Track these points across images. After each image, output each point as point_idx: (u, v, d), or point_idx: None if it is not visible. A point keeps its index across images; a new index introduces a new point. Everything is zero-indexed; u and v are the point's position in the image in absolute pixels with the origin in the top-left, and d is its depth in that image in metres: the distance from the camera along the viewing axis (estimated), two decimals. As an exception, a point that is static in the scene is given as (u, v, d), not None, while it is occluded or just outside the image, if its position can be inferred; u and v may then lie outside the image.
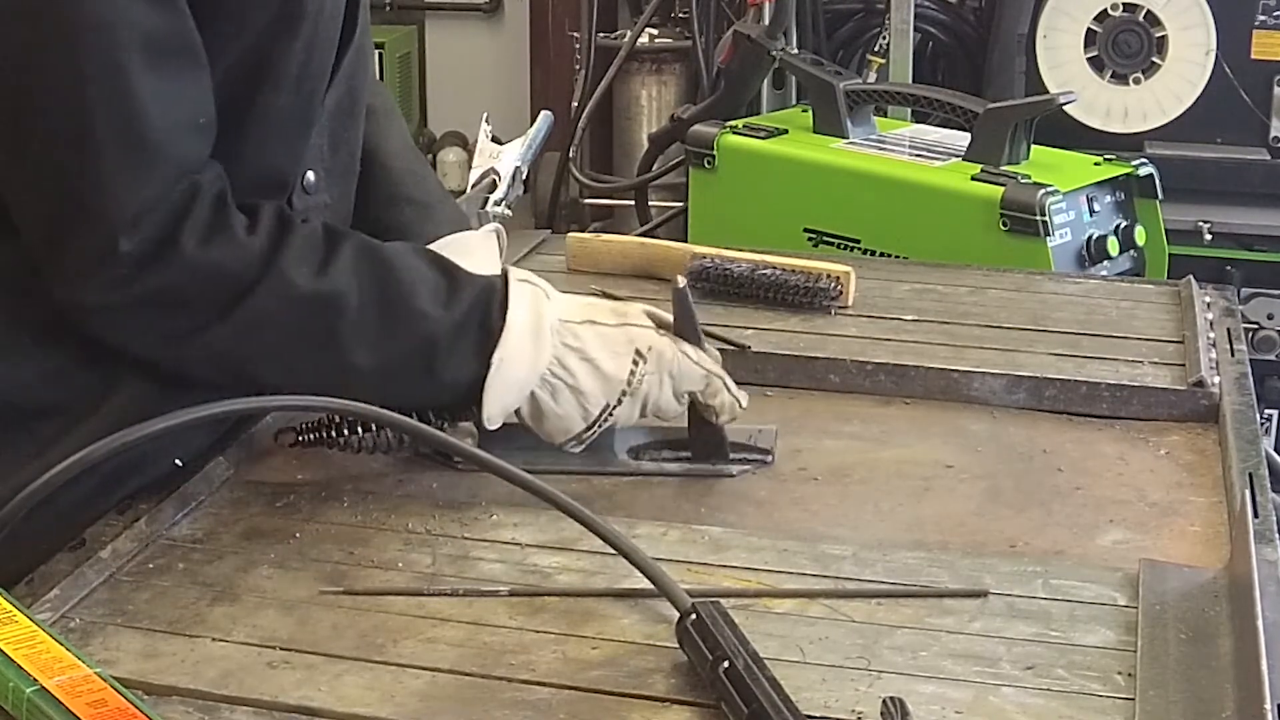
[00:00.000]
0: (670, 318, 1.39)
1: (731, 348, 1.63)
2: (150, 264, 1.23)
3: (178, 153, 1.24)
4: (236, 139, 1.32)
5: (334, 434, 1.39)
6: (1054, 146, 2.65)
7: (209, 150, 1.28)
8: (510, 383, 1.32)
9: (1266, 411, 3.01)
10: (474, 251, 1.53)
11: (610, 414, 1.35)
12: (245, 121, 1.32)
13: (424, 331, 1.30)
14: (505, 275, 1.36)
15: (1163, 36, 3.07)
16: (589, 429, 1.36)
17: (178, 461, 1.35)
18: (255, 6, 1.29)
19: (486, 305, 1.33)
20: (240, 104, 1.31)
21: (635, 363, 1.34)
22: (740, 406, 1.39)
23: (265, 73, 1.32)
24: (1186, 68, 3.08)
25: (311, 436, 1.40)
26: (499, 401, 1.33)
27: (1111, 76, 3.11)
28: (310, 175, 1.43)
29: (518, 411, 1.35)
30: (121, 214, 1.21)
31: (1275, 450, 2.07)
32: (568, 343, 1.34)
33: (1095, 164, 2.59)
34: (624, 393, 1.35)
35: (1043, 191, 2.38)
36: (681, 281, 1.38)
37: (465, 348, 1.31)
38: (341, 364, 1.29)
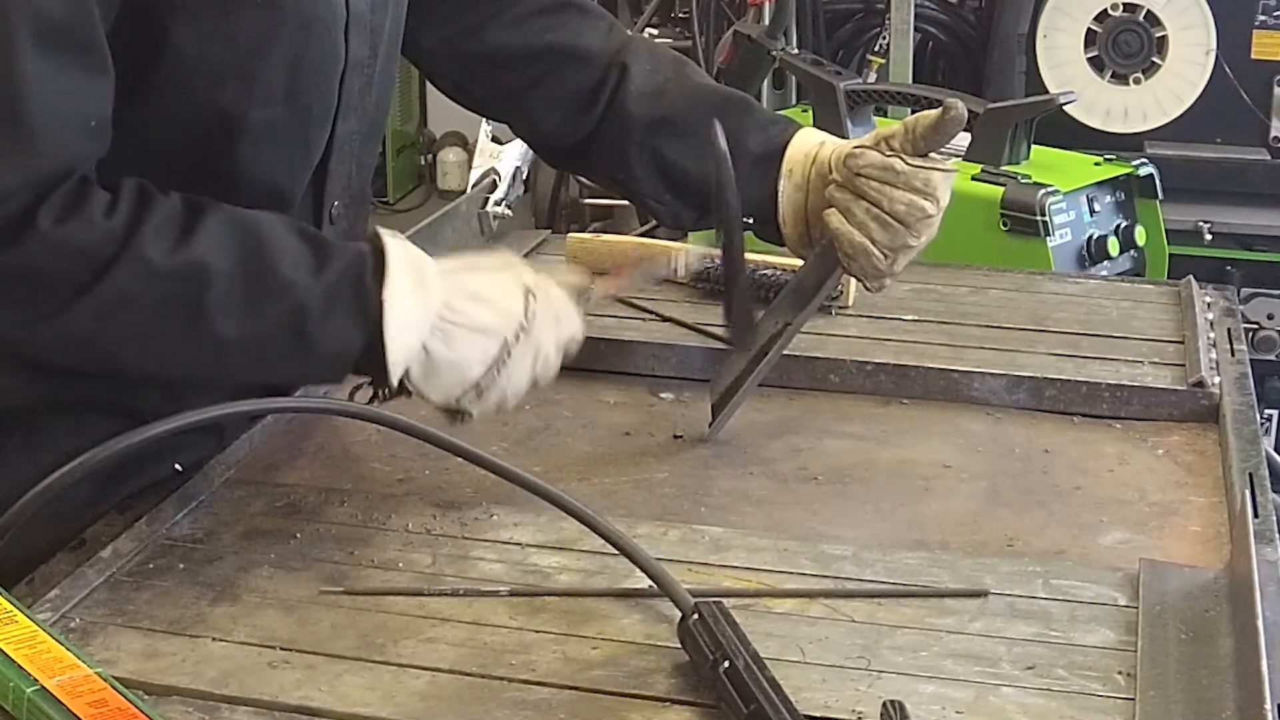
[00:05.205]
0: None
1: (730, 348, 1.62)
2: (5, 242, 1.17)
3: (57, 147, 1.18)
4: (228, 154, 1.31)
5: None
6: (1054, 146, 2.65)
7: (98, 153, 1.23)
8: (405, 322, 1.26)
9: (1266, 411, 3.01)
10: None
11: (508, 356, 1.30)
12: (236, 135, 1.30)
13: (292, 299, 1.24)
14: (375, 237, 1.29)
15: (1163, 36, 3.07)
16: (486, 374, 1.30)
17: (177, 466, 1.35)
18: (238, 8, 1.27)
19: (359, 269, 1.27)
20: (228, 117, 1.30)
21: (527, 299, 1.31)
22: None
23: (250, 85, 1.30)
24: (1186, 68, 3.07)
25: None
26: (400, 341, 1.26)
27: (1111, 76, 3.11)
28: (337, 204, 1.43)
29: (407, 374, 1.29)
30: None
31: (1275, 450, 2.07)
32: (454, 285, 1.29)
33: (1095, 164, 2.59)
34: (521, 327, 1.30)
35: (1043, 191, 2.38)
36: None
37: (340, 314, 1.25)
38: (209, 339, 1.23)
